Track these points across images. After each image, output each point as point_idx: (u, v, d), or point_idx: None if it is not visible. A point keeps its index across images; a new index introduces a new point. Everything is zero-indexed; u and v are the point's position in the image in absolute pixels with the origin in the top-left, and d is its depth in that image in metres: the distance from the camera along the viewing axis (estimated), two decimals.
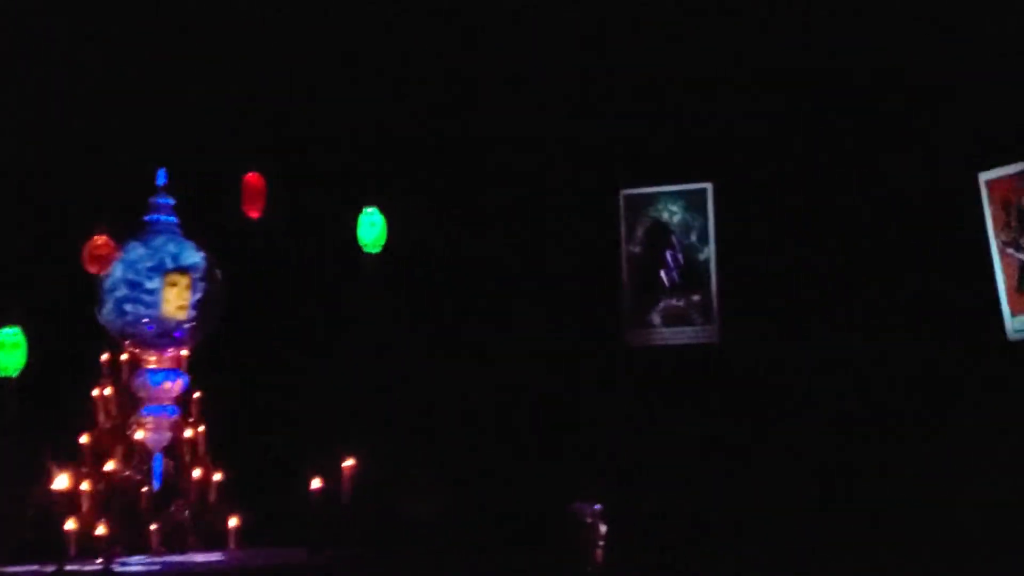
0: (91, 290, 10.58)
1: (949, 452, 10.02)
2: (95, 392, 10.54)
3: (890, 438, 10.48)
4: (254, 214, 10.52)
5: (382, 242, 10.54)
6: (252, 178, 10.58)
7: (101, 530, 9.54)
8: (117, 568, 9.11)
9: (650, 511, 10.42)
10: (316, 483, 9.95)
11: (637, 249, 11.88)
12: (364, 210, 10.62)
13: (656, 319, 11.77)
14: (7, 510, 9.87)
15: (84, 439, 10.32)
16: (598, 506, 9.55)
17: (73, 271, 10.34)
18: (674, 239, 11.80)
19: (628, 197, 11.92)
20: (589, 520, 9.48)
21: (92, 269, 10.32)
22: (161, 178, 10.98)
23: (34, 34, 10.69)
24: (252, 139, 11.39)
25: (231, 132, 11.33)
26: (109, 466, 10.21)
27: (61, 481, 9.74)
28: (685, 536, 10.26)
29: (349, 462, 10.21)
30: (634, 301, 11.82)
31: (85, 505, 9.86)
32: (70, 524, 9.57)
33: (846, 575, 9.71)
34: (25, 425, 10.20)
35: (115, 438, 10.39)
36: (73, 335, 10.74)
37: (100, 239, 10.33)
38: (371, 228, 10.57)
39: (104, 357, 10.66)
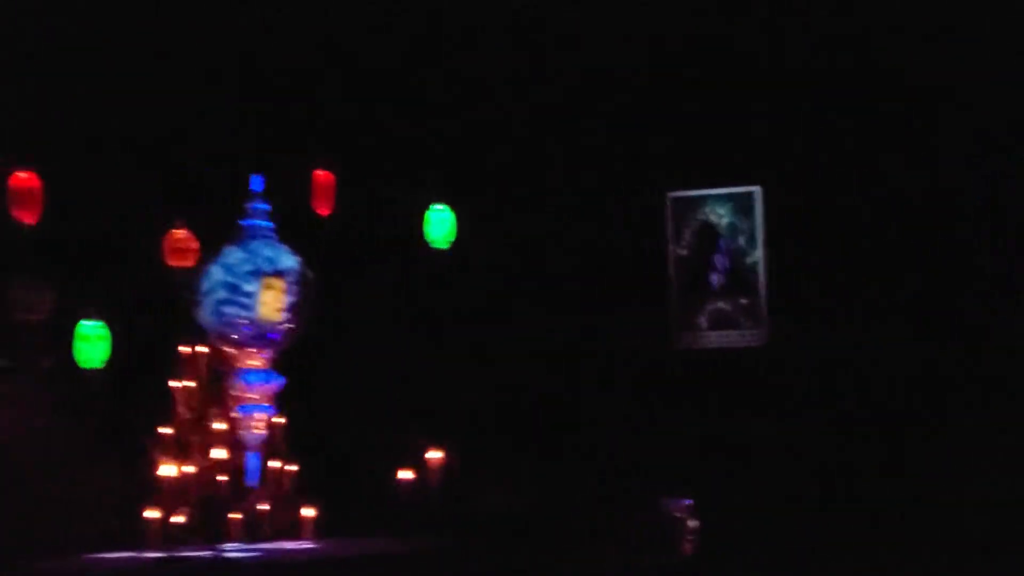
0: (171, 283, 10.68)
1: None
2: (175, 384, 10.70)
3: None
4: (324, 212, 10.74)
5: (451, 238, 10.83)
6: (321, 176, 10.76)
7: (184, 519, 9.94)
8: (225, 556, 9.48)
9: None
10: (404, 475, 10.33)
11: (684, 252, 11.91)
12: (432, 207, 10.82)
13: (704, 322, 11.84)
14: (92, 498, 10.18)
15: (166, 430, 10.48)
16: (688, 501, 9.79)
17: (154, 265, 10.54)
18: (720, 242, 11.80)
19: (676, 199, 11.92)
20: (678, 515, 9.72)
21: (173, 262, 10.51)
22: (256, 184, 10.95)
23: (106, 36, 10.70)
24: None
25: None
26: (218, 453, 10.41)
27: (168, 469, 10.05)
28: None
29: (436, 454, 10.62)
30: (681, 303, 11.87)
31: (170, 494, 10.12)
32: (152, 513, 9.90)
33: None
34: (108, 415, 10.54)
35: (196, 430, 10.56)
36: (155, 328, 10.86)
37: (180, 233, 10.57)
38: (440, 225, 10.82)
39: (184, 350, 10.78)
